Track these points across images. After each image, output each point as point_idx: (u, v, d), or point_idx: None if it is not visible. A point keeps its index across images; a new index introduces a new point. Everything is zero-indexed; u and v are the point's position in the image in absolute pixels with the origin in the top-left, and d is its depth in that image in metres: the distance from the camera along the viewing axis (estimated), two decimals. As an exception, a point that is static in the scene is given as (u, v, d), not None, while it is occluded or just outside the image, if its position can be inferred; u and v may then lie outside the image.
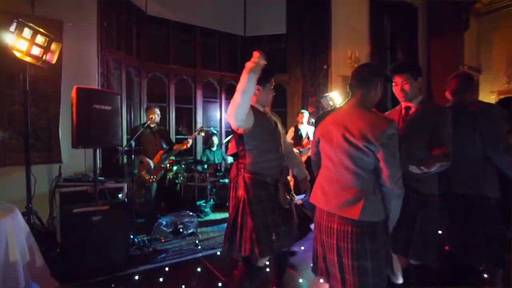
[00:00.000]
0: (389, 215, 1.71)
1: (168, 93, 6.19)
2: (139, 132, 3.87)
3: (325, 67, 5.66)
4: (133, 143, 3.75)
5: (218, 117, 6.84)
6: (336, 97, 4.79)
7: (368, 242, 1.65)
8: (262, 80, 2.08)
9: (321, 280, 1.93)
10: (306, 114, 5.26)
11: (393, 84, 2.14)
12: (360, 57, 5.74)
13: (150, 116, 4.09)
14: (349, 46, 5.70)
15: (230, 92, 6.67)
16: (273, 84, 2.25)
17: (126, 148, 3.85)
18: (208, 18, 6.40)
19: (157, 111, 4.20)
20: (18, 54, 2.76)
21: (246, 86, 1.87)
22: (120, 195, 3.52)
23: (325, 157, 1.86)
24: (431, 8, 6.60)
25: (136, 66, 5.71)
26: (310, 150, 2.25)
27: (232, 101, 1.93)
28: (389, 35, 6.73)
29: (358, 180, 1.68)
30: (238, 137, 2.14)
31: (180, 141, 4.43)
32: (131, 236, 3.59)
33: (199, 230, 4.10)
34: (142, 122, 5.16)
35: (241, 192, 2.15)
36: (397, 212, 1.73)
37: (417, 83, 2.10)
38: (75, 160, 3.77)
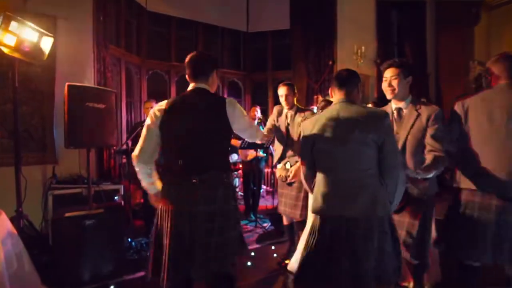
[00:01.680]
0: (391, 202, 1.76)
1: (169, 91, 6.04)
2: (136, 132, 3.71)
3: (330, 63, 5.50)
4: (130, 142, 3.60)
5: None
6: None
7: (377, 239, 1.66)
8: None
9: None
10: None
11: (383, 79, 2.15)
12: (366, 52, 5.57)
13: (147, 112, 3.95)
14: (355, 41, 5.53)
15: (232, 90, 6.47)
16: None
17: (124, 148, 3.71)
18: (210, 14, 6.24)
19: (154, 104, 4.03)
20: (5, 50, 2.61)
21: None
22: (116, 197, 3.38)
23: (329, 160, 1.78)
24: (440, 2, 6.41)
25: (137, 63, 5.58)
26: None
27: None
28: (396, 30, 6.57)
29: (368, 176, 1.70)
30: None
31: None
32: (129, 240, 3.45)
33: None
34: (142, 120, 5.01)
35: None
36: (399, 199, 1.84)
37: (405, 81, 2.11)
38: (70, 160, 3.62)
